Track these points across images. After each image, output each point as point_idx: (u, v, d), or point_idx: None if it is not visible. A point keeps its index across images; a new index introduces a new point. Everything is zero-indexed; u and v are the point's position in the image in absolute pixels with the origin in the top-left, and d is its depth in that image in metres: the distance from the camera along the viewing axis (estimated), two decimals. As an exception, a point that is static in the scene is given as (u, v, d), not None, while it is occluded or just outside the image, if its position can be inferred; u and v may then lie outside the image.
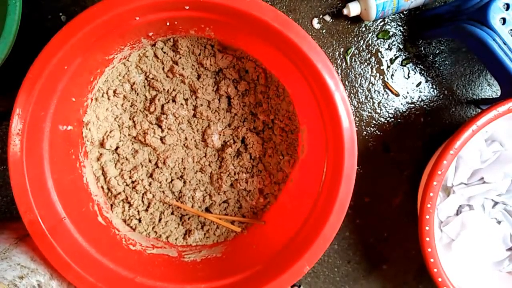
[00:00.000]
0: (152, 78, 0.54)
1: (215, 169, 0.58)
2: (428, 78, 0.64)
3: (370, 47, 0.62)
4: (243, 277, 0.49)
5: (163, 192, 0.57)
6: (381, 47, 0.62)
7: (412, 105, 0.64)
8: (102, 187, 0.55)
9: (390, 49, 0.62)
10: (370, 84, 0.63)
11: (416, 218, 0.56)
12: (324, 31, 0.61)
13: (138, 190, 0.56)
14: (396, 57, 0.63)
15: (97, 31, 0.43)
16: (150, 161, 0.56)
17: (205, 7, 0.43)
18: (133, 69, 0.54)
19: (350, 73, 0.62)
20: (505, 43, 0.50)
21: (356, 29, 0.61)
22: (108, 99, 0.54)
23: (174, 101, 0.55)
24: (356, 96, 0.63)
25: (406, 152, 0.65)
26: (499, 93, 0.60)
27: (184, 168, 0.57)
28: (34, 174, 0.44)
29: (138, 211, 0.56)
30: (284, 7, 0.60)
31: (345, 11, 0.58)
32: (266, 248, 0.52)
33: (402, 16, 0.62)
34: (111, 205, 0.56)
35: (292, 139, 0.56)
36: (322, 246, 0.46)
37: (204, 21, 0.48)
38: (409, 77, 0.63)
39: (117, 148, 0.55)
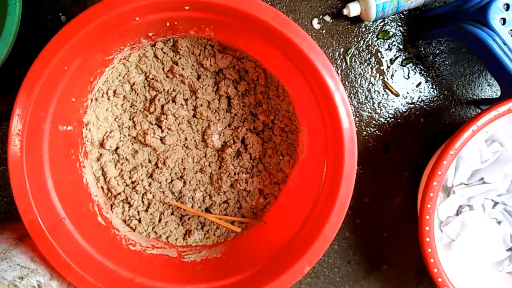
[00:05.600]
0: (152, 79, 0.54)
1: (215, 169, 0.58)
2: (428, 79, 0.64)
3: (370, 48, 0.62)
4: (243, 278, 0.49)
5: (163, 192, 0.57)
6: (381, 48, 0.62)
7: (412, 106, 0.64)
8: (102, 187, 0.55)
9: (390, 50, 0.62)
10: (370, 85, 0.63)
11: (416, 219, 0.56)
12: (324, 31, 0.61)
13: (138, 191, 0.56)
14: (396, 58, 0.63)
15: (97, 31, 0.43)
16: (150, 161, 0.56)
17: (205, 7, 0.43)
18: (133, 70, 0.54)
19: (350, 73, 0.62)
20: (505, 43, 0.50)
21: (356, 29, 0.61)
22: (108, 99, 0.54)
23: (174, 101, 0.55)
24: (356, 97, 0.63)
25: (406, 152, 0.65)
26: (499, 93, 0.60)
27: (184, 169, 0.57)
28: (34, 175, 0.44)
29: (138, 212, 0.56)
30: (284, 7, 0.60)
31: (345, 12, 0.58)
32: (266, 249, 0.52)
33: (402, 16, 0.62)
34: (111, 206, 0.56)
35: (292, 139, 0.56)
36: (322, 246, 0.46)
37: (204, 21, 0.48)
38: (409, 77, 0.63)
39: (117, 148, 0.55)
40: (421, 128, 0.64)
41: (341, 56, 0.62)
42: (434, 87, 0.64)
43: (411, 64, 0.63)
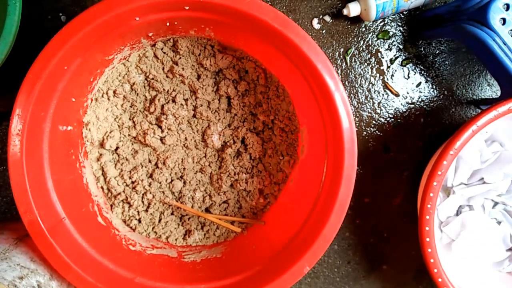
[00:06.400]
0: (152, 79, 0.54)
1: (215, 169, 0.58)
2: (428, 79, 0.64)
3: (370, 48, 0.62)
4: (243, 278, 0.49)
5: (163, 192, 0.57)
6: (381, 48, 0.62)
7: (412, 106, 0.64)
8: (102, 187, 0.55)
9: (390, 50, 0.62)
10: (370, 85, 0.63)
11: (416, 219, 0.56)
12: (324, 31, 0.61)
13: (138, 191, 0.56)
14: (396, 58, 0.63)
15: (97, 31, 0.43)
16: (150, 161, 0.56)
17: (205, 7, 0.43)
18: (133, 70, 0.54)
19: (350, 73, 0.62)
20: (505, 43, 0.50)
21: (356, 29, 0.61)
22: (108, 99, 0.54)
23: (174, 101, 0.55)
24: (356, 97, 0.63)
25: (406, 152, 0.65)
26: (499, 93, 0.60)
27: (184, 169, 0.57)
28: (34, 175, 0.44)
29: (138, 212, 0.56)
30: (284, 7, 0.60)
31: (345, 12, 0.58)
32: (266, 249, 0.52)
33: (402, 16, 0.62)
34: (111, 206, 0.55)
35: (292, 139, 0.56)
36: (322, 246, 0.46)
37: (204, 22, 0.48)
38: (409, 77, 0.63)
39: (117, 148, 0.55)
40: (421, 128, 0.64)
41: (341, 56, 0.62)
42: (434, 87, 0.64)
43: (411, 64, 0.63)
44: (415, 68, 0.63)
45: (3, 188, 0.58)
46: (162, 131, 0.55)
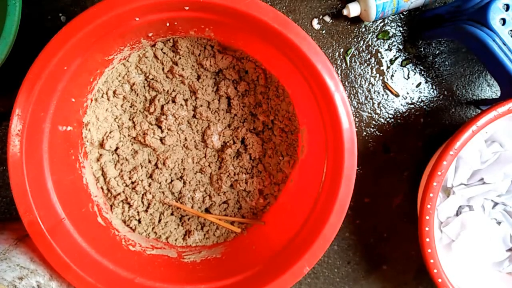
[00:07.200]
0: (152, 79, 0.54)
1: (215, 169, 0.58)
2: (428, 79, 0.64)
3: (370, 48, 0.62)
4: (243, 278, 0.49)
5: (162, 192, 0.56)
6: (381, 48, 0.62)
7: (412, 106, 0.64)
8: (101, 187, 0.55)
9: (390, 50, 0.62)
10: (370, 85, 0.63)
11: (416, 219, 0.56)
12: (324, 31, 0.61)
13: (137, 191, 0.56)
14: (396, 58, 0.63)
15: (97, 32, 0.43)
16: (149, 161, 0.56)
17: (204, 7, 0.43)
18: (133, 70, 0.54)
19: (350, 73, 0.62)
20: (504, 44, 0.50)
21: (356, 29, 0.61)
22: (108, 99, 0.54)
23: (174, 101, 0.55)
24: (356, 97, 0.63)
25: (406, 152, 0.65)
26: (499, 93, 0.60)
27: (184, 169, 0.57)
28: (34, 175, 0.44)
29: (137, 212, 0.56)
30: (284, 7, 0.60)
31: (345, 12, 0.58)
32: (265, 249, 0.52)
33: (402, 16, 0.62)
34: (111, 206, 0.55)
35: (292, 139, 0.56)
36: (322, 246, 0.46)
37: (204, 22, 0.48)
38: (409, 77, 0.63)
39: (116, 148, 0.55)
40: (421, 128, 0.64)
41: (341, 57, 0.62)
42: (434, 87, 0.64)
43: (411, 65, 0.63)
44: (415, 69, 0.63)
45: (3, 188, 0.58)
46: (162, 132, 0.55)
